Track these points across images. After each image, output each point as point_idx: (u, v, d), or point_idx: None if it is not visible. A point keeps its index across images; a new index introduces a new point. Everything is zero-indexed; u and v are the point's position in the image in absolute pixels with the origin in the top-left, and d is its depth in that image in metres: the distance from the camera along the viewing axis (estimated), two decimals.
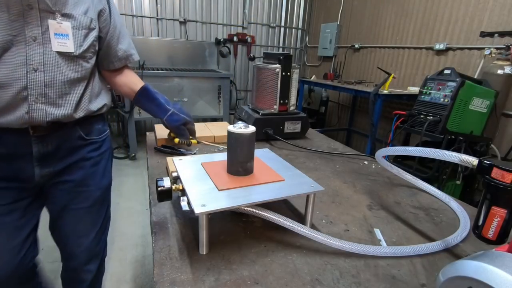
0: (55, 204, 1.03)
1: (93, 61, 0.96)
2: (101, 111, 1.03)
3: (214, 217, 0.67)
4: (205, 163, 0.74)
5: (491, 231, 0.52)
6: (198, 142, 1.14)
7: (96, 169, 1.06)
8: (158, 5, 4.14)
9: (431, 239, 0.68)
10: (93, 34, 0.93)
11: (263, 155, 0.83)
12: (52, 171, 0.95)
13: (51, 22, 0.82)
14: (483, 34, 2.56)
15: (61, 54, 0.85)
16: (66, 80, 0.88)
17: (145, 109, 1.11)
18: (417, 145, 1.53)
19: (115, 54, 1.03)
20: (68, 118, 0.91)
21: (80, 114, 0.94)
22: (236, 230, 0.65)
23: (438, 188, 0.89)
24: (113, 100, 3.24)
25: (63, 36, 0.85)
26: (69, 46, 0.86)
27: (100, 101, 1.02)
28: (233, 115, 4.03)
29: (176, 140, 1.09)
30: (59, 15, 0.84)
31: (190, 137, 1.11)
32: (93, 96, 0.98)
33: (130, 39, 1.10)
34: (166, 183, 0.63)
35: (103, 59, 1.02)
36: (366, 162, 1.13)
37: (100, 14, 0.94)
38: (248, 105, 1.42)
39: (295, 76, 1.29)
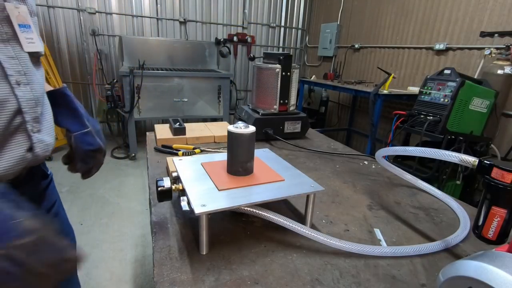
0: None
1: None
2: None
3: (214, 217, 0.67)
4: (205, 163, 0.74)
5: (491, 231, 0.52)
6: (201, 151, 1.08)
7: (64, 213, 0.82)
8: (158, 5, 4.14)
9: (431, 239, 0.68)
10: None
11: (263, 155, 0.83)
12: None
13: (7, 6, 0.53)
14: (483, 34, 2.56)
15: (31, 56, 0.59)
16: (44, 93, 0.64)
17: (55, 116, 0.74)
18: (417, 145, 1.53)
19: None
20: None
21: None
22: (236, 230, 0.65)
23: (438, 188, 0.89)
24: (113, 100, 3.24)
25: (27, 29, 0.57)
26: (36, 44, 0.59)
27: None
28: (233, 115, 4.03)
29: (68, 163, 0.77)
30: None
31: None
32: None
33: None
34: (166, 183, 0.63)
35: None
36: (366, 162, 1.13)
37: None
38: (248, 105, 1.42)
39: (295, 76, 1.29)
